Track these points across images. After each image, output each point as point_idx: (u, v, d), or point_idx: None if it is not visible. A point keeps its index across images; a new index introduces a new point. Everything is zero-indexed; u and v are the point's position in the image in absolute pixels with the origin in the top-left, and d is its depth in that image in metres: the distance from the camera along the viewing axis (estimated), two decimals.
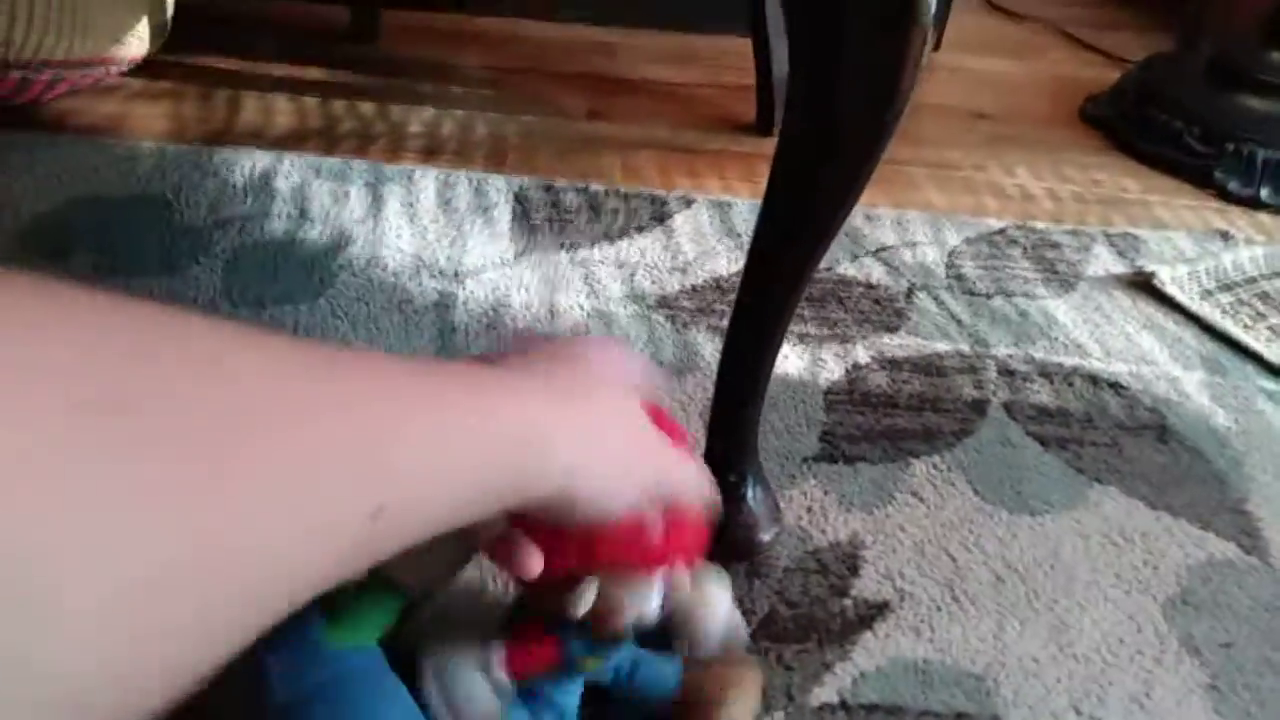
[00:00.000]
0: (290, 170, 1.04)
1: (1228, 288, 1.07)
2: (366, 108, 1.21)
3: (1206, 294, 1.06)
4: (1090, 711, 0.62)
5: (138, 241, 0.91)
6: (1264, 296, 1.07)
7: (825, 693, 0.61)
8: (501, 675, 0.47)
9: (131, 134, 1.10)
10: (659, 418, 0.46)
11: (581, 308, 0.90)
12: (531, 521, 0.41)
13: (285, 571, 0.25)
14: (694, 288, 0.95)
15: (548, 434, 0.35)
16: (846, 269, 1.02)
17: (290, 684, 0.46)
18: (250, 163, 1.04)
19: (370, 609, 0.50)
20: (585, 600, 0.45)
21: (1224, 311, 1.03)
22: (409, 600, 0.51)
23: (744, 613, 0.65)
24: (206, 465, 0.23)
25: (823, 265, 1.01)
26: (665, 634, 0.50)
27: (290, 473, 0.25)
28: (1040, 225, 1.16)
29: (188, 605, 0.22)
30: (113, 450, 0.21)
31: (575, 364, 0.42)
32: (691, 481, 0.45)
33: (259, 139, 1.11)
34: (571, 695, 0.52)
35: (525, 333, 0.49)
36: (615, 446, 0.39)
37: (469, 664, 0.46)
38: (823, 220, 0.56)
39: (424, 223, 0.99)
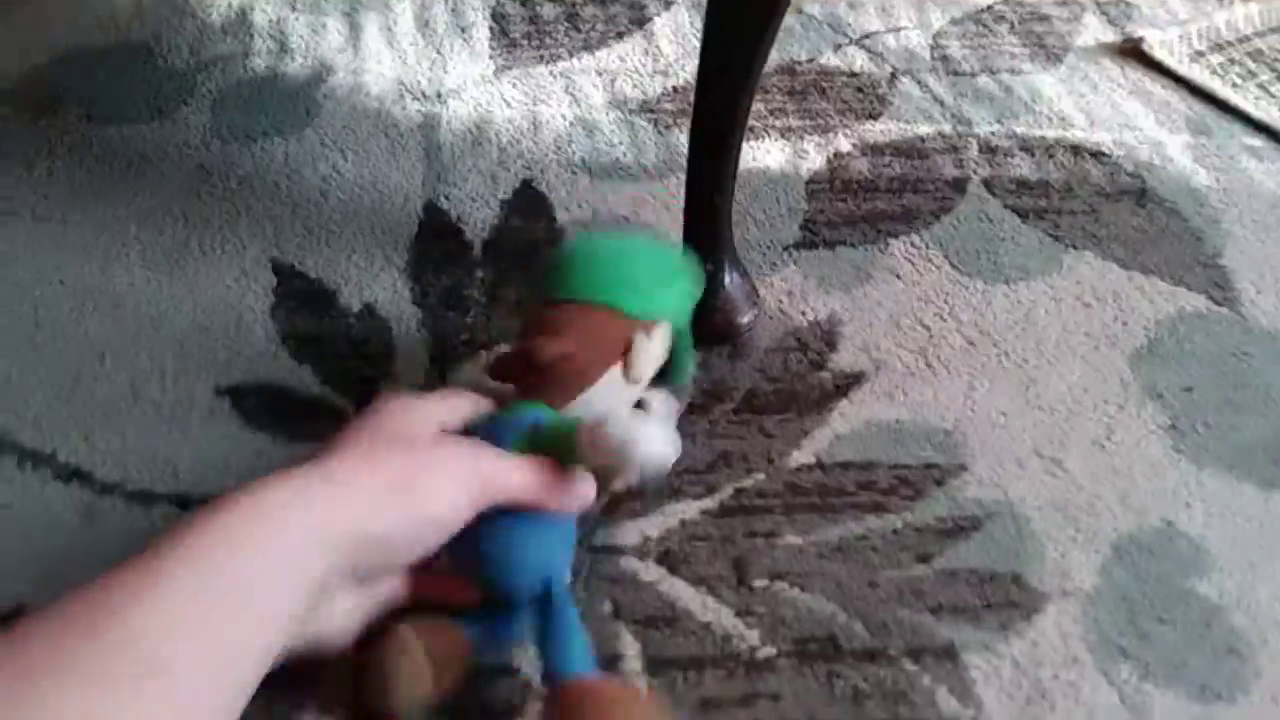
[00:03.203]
0: (266, 5, 1.03)
1: (1219, 48, 1.06)
2: None
3: (1197, 55, 1.04)
4: (1052, 454, 0.66)
5: (125, 90, 0.93)
6: (1256, 54, 1.05)
7: (802, 455, 0.65)
8: None
9: None
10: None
11: (564, 118, 0.91)
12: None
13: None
14: (675, 89, 0.95)
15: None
16: (829, 59, 1.01)
17: None
18: (226, 2, 1.04)
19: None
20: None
21: (1213, 72, 1.02)
22: None
23: (726, 390, 0.69)
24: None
25: (804, 56, 1.01)
26: None
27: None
28: None
29: None
30: None
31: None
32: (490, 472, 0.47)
33: None
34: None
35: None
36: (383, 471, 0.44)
37: None
38: (760, 18, 0.58)
39: (403, 46, 0.99)
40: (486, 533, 0.47)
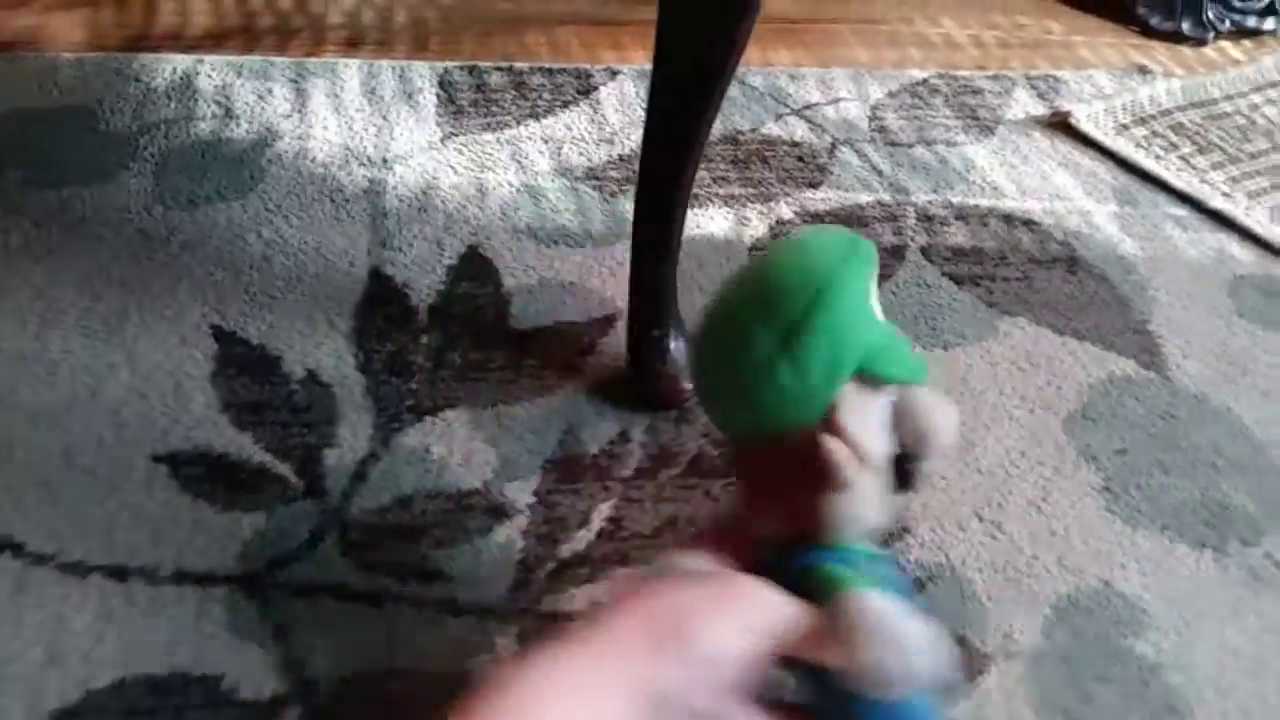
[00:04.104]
0: (211, 71, 1.04)
1: (1143, 121, 1.10)
2: (284, 2, 1.20)
3: (1122, 129, 1.08)
4: (991, 517, 0.67)
5: (66, 152, 0.92)
6: (1178, 128, 1.10)
7: None
8: None
9: (50, 45, 1.09)
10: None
11: (510, 184, 0.92)
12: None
13: None
14: (620, 157, 0.97)
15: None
16: (771, 129, 1.04)
17: None
18: (171, 66, 1.04)
19: None
20: None
21: (1138, 144, 1.06)
22: None
23: (672, 455, 0.69)
24: None
25: (747, 126, 1.03)
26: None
27: None
28: (963, 73, 1.18)
29: None
30: None
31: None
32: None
33: (178, 42, 1.10)
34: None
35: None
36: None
37: None
38: (704, 89, 0.60)
39: (350, 113, 1.00)
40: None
